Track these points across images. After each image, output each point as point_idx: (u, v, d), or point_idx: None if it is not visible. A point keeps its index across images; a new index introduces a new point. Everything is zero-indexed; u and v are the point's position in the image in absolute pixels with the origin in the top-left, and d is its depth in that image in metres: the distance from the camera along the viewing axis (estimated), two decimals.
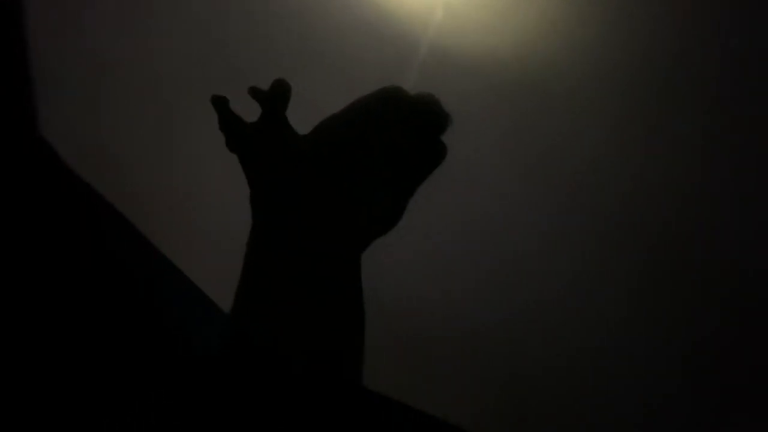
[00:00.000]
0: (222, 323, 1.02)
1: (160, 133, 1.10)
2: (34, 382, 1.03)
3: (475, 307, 0.86)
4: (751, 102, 0.62)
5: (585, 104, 0.72)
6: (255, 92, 0.44)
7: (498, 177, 0.78)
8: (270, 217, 0.39)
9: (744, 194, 0.65)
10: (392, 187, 0.40)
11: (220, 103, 0.44)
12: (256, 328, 0.35)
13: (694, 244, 0.69)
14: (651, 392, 0.75)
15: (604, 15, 0.67)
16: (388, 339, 0.76)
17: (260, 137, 0.42)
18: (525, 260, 0.81)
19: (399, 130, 0.40)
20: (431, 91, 0.41)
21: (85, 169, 1.24)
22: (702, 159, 0.66)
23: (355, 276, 0.40)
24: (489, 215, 0.80)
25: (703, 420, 0.73)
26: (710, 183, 0.66)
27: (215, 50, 0.97)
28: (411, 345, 0.83)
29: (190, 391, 0.35)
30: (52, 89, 1.26)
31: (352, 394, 0.37)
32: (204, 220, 1.08)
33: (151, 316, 1.09)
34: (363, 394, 0.39)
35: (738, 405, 0.71)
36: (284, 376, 0.34)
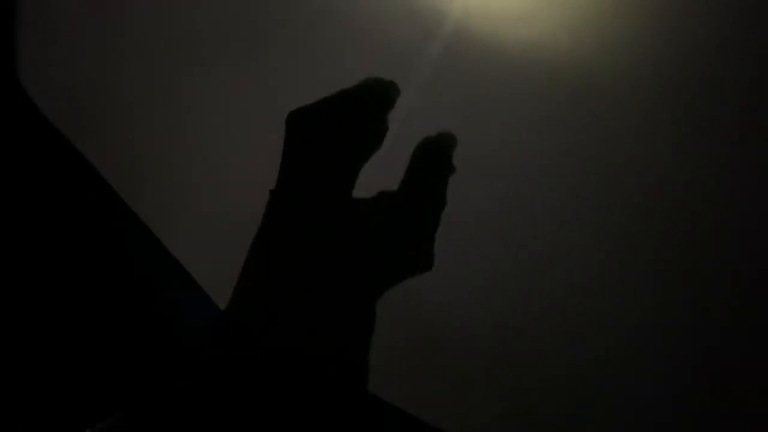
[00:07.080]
0: (212, 312, 1.00)
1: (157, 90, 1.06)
2: (36, 375, 1.02)
3: (486, 308, 0.84)
4: None
5: (614, 96, 0.70)
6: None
7: (518, 168, 0.77)
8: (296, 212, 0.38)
9: None
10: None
11: None
12: (257, 323, 0.35)
13: (723, 245, 0.67)
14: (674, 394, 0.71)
15: (638, 6, 0.65)
16: (395, 341, 0.74)
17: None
18: (543, 255, 0.79)
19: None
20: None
21: (66, 124, 1.20)
22: (738, 159, 0.64)
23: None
24: (508, 208, 0.78)
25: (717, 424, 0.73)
26: (743, 182, 0.65)
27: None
28: (418, 347, 0.84)
29: (187, 388, 0.34)
30: (33, 31, 1.22)
31: (354, 399, 0.37)
32: (202, 203, 1.05)
33: (143, 301, 1.07)
34: (366, 401, 0.38)
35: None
36: (286, 375, 0.34)
